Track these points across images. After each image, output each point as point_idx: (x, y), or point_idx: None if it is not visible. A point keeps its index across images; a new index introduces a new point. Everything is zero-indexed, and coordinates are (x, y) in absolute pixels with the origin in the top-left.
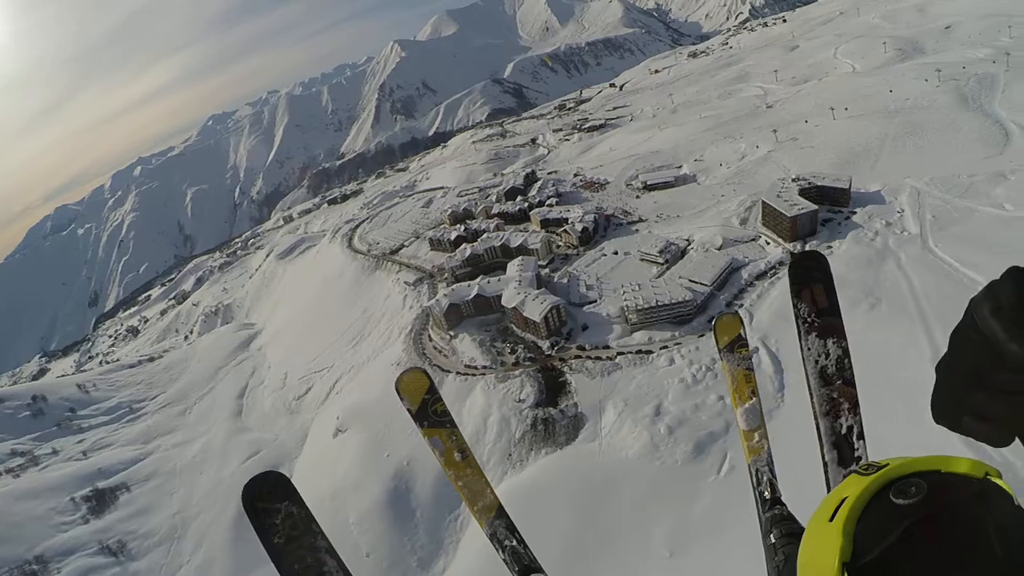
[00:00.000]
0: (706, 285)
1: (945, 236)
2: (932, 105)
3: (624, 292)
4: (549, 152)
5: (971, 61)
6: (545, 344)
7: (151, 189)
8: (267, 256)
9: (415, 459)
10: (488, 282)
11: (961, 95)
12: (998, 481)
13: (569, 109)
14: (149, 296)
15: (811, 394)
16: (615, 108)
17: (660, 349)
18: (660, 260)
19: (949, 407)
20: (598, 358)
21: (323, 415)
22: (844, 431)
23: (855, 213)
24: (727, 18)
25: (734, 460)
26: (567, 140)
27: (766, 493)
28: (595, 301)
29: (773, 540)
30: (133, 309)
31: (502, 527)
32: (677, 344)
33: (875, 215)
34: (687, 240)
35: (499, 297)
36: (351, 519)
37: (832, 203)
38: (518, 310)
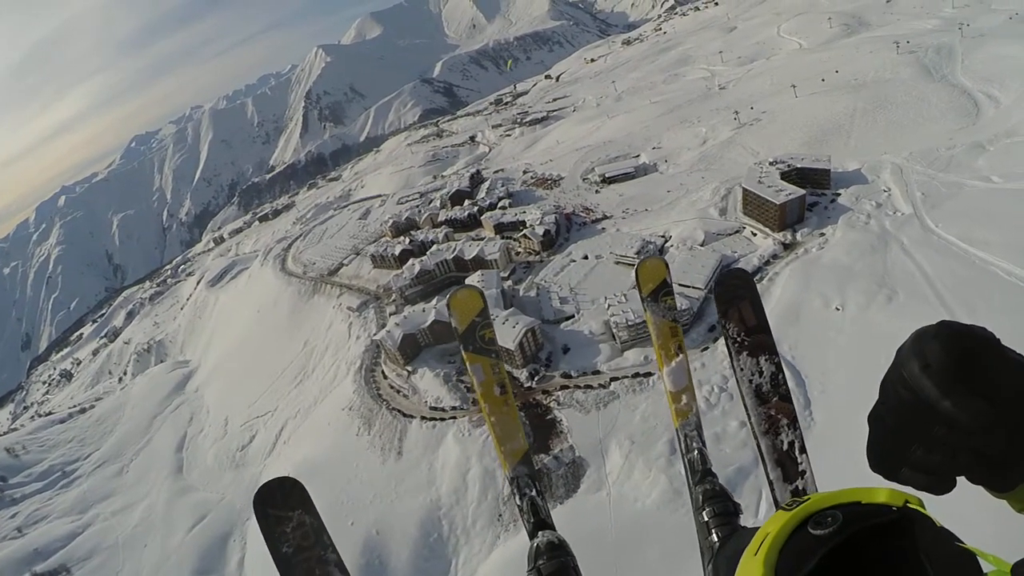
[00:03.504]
0: (700, 289)
1: (941, 214)
2: (896, 78)
3: (609, 305)
4: (491, 150)
5: (920, 32)
6: (522, 374)
7: (75, 219)
8: (198, 284)
9: (384, 527)
10: (448, 304)
11: (923, 66)
12: (917, 507)
13: (506, 103)
14: (81, 335)
15: (748, 414)
16: (555, 99)
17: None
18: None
19: (886, 459)
20: (589, 386)
21: (271, 469)
22: (786, 447)
23: (839, 195)
24: (652, 6)
25: (771, 497)
26: (508, 135)
27: (697, 463)
28: (573, 316)
29: (706, 518)
30: (66, 351)
31: (525, 474)
32: None
33: (861, 196)
34: (663, 237)
35: None
36: None
37: (814, 185)
38: None
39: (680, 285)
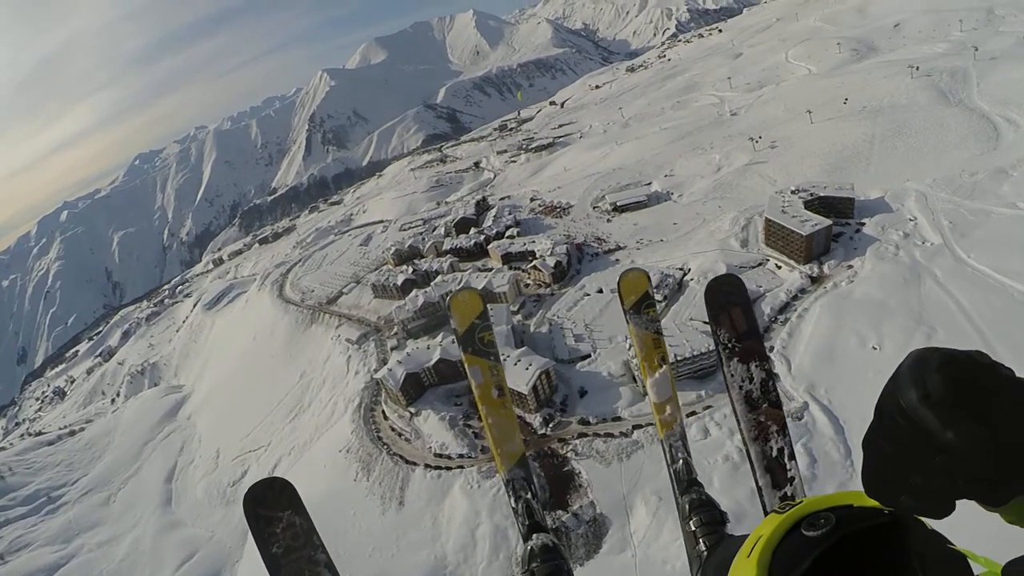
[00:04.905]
0: None
1: (971, 243)
2: (912, 103)
3: (630, 344)
4: (495, 176)
5: (931, 56)
6: (536, 420)
7: (76, 235)
8: (194, 306)
9: None
10: (453, 341)
11: (939, 91)
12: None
13: (511, 129)
14: (77, 352)
15: (738, 421)
16: (560, 126)
17: (688, 416)
18: (658, 296)
19: (884, 486)
20: (609, 435)
21: None
22: (775, 454)
23: (864, 224)
24: (654, 34)
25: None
26: (514, 161)
27: (682, 473)
28: (589, 356)
29: (693, 528)
30: (60, 367)
31: (521, 476)
32: (708, 408)
33: (887, 225)
34: (682, 269)
35: None
36: None
37: (837, 215)
38: None
39: (704, 323)
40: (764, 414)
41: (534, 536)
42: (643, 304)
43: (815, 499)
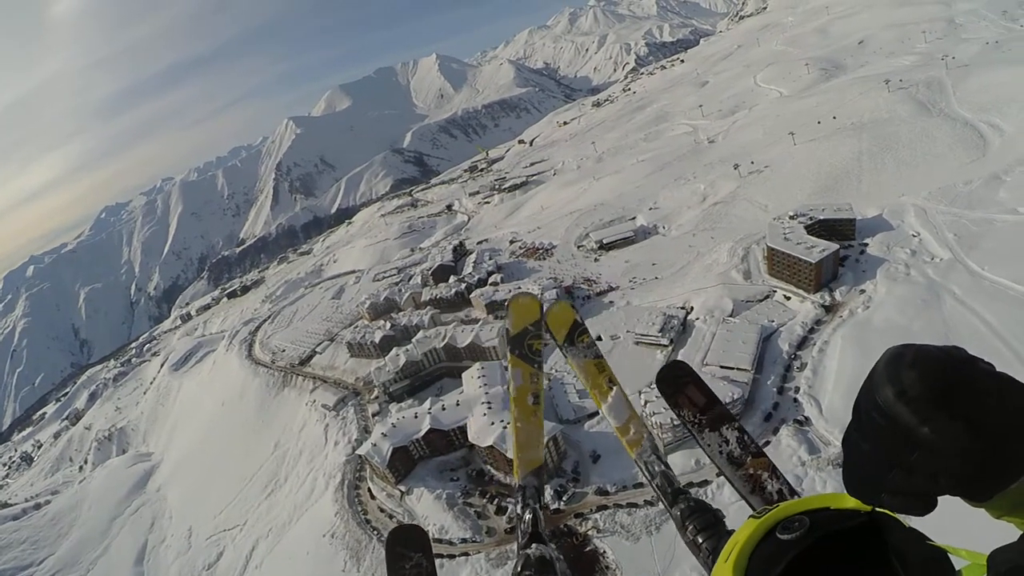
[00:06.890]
0: (747, 370)
1: (982, 255)
2: (894, 116)
3: (645, 401)
4: (470, 218)
5: (901, 70)
6: (546, 492)
7: (42, 291)
8: (162, 366)
9: None
10: (443, 407)
11: (918, 102)
12: (885, 511)
13: (482, 170)
14: (44, 414)
15: (731, 482)
16: (532, 164)
17: (717, 476)
18: (664, 341)
19: (865, 484)
20: (633, 505)
21: None
22: (776, 497)
23: (867, 244)
24: (615, 69)
25: None
26: (487, 203)
27: (666, 487)
28: (597, 413)
29: (692, 536)
30: (28, 431)
31: (533, 486)
32: None
33: (891, 243)
34: (683, 307)
35: (462, 429)
36: None
37: (839, 237)
38: (497, 449)
39: (722, 367)
40: (751, 466)
41: (532, 546)
42: (575, 334)
43: (792, 503)
